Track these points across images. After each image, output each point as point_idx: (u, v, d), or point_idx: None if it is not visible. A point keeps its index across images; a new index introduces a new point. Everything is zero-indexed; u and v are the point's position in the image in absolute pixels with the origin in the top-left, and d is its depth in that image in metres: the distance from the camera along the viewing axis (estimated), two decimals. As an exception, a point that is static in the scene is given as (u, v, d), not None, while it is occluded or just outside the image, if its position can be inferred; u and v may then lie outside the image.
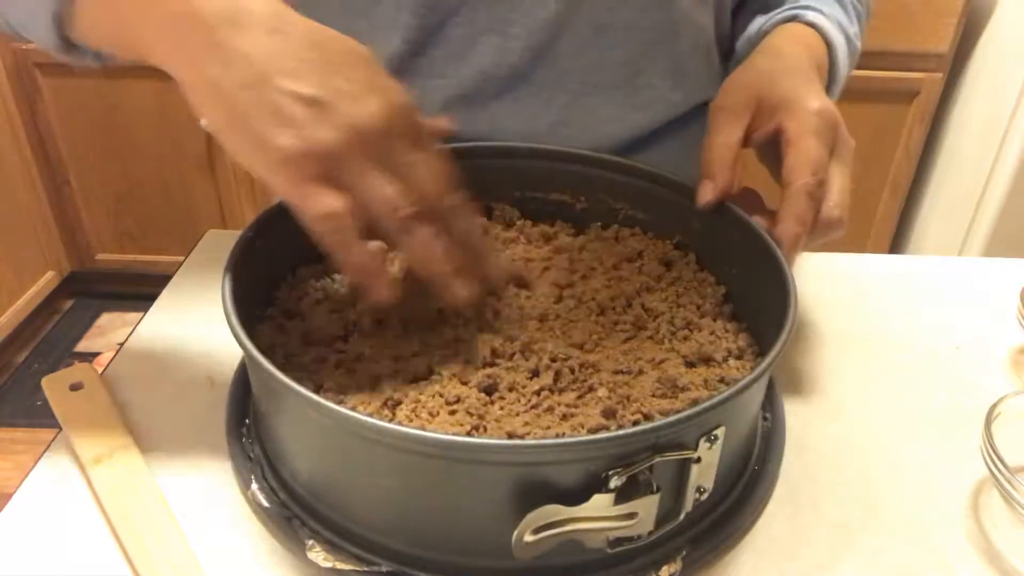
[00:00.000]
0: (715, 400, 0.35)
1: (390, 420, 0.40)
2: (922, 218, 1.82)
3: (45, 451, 0.47)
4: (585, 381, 0.42)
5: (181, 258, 0.66)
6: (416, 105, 0.39)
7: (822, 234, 0.47)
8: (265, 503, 0.42)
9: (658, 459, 0.34)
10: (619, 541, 0.35)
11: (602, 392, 0.41)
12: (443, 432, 0.38)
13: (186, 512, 0.43)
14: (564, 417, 0.40)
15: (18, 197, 1.81)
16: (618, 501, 0.34)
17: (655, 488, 0.34)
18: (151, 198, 1.87)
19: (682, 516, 0.38)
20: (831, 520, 0.44)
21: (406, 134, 0.38)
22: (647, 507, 0.35)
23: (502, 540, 0.33)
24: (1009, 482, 0.42)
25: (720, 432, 0.36)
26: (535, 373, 0.43)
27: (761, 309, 0.46)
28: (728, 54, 0.68)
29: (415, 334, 0.46)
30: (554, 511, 0.33)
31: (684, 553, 0.39)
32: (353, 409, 0.35)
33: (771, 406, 0.49)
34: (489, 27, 0.59)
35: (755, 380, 0.37)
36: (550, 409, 0.41)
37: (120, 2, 0.38)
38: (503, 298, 0.49)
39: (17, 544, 0.42)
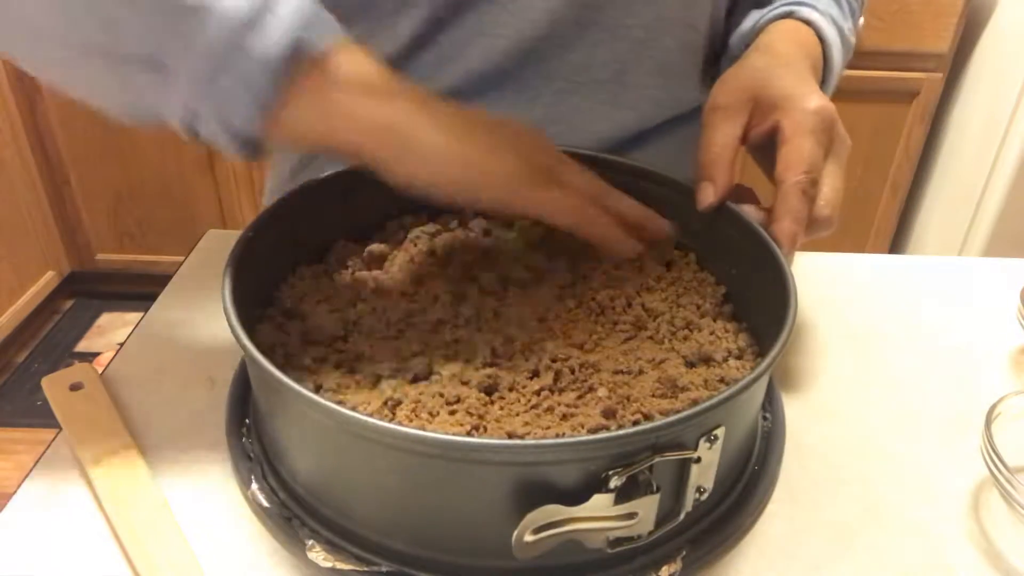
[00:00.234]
0: (715, 400, 0.35)
1: (390, 420, 0.40)
2: (922, 218, 1.83)
3: (45, 451, 0.47)
4: (585, 381, 0.42)
5: (181, 258, 0.66)
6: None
7: (811, 232, 0.47)
8: (265, 503, 0.42)
9: (658, 459, 0.34)
10: (619, 541, 0.35)
11: (602, 392, 0.41)
12: (443, 432, 0.38)
13: (186, 512, 0.43)
14: (564, 417, 0.40)
15: (18, 197, 1.81)
16: (618, 501, 0.34)
17: (655, 488, 0.34)
18: (151, 198, 1.87)
19: (682, 516, 0.38)
20: (831, 520, 0.44)
21: (560, 158, 0.49)
22: (647, 507, 0.35)
23: (502, 540, 0.33)
24: (1009, 482, 0.42)
25: (720, 432, 0.36)
26: (535, 373, 0.43)
27: (761, 309, 0.46)
28: (720, 51, 0.68)
29: (415, 335, 0.46)
30: (554, 511, 0.33)
31: (684, 553, 0.39)
32: (353, 409, 0.35)
33: (771, 406, 0.49)
34: (479, 30, 0.58)
35: (755, 380, 0.37)
36: (550, 409, 0.41)
37: (335, 111, 0.41)
38: (503, 298, 0.49)
39: (17, 544, 0.42)
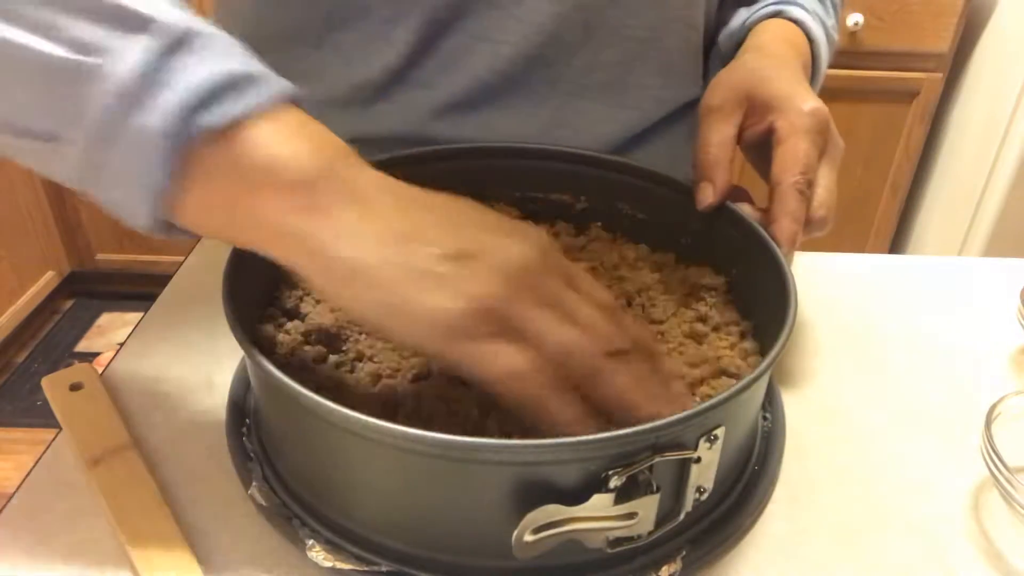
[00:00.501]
0: (715, 400, 0.35)
1: (390, 420, 0.40)
2: (922, 218, 1.83)
3: (45, 451, 0.47)
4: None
5: (181, 258, 0.66)
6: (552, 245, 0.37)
7: (806, 233, 0.48)
8: (265, 503, 0.42)
9: (658, 459, 0.34)
10: (619, 541, 0.35)
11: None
12: (443, 432, 0.38)
13: (186, 512, 0.43)
14: (564, 417, 0.40)
15: (18, 197, 1.81)
16: (618, 501, 0.34)
17: (655, 488, 0.34)
18: (151, 198, 1.87)
19: (682, 516, 0.38)
20: (831, 520, 0.44)
21: (558, 272, 0.36)
22: (647, 507, 0.35)
23: (502, 540, 0.33)
24: (1009, 482, 0.42)
25: (720, 432, 0.36)
26: (535, 373, 0.43)
27: (761, 308, 0.46)
28: (709, 46, 0.68)
29: None
30: (554, 511, 0.33)
31: (684, 553, 0.39)
32: (353, 409, 0.35)
33: (771, 406, 0.49)
34: (482, 36, 0.58)
35: (755, 380, 0.37)
36: (550, 409, 0.40)
37: (236, 204, 0.34)
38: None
39: (17, 544, 0.42)
